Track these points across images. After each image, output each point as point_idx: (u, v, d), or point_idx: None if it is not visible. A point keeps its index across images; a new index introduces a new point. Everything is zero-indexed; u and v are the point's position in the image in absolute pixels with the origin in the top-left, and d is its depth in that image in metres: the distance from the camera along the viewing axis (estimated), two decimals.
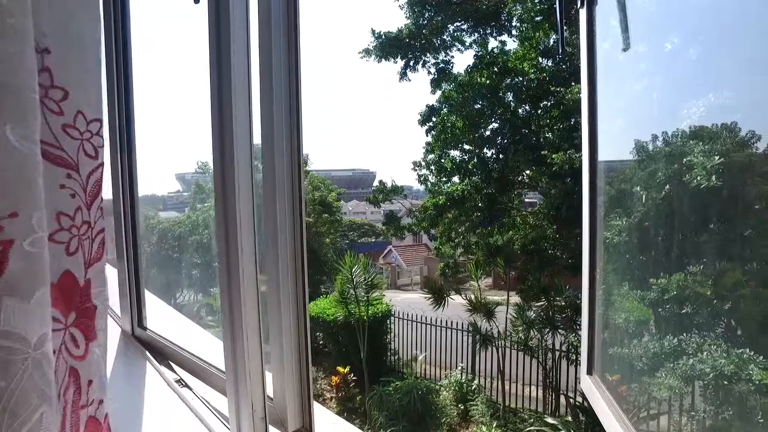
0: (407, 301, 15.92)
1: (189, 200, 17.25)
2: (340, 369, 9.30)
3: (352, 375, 9.26)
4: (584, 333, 1.15)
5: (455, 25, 11.41)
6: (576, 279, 9.19)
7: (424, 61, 11.84)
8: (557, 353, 8.50)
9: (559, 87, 8.86)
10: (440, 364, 10.93)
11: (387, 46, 11.46)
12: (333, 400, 9.40)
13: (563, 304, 8.13)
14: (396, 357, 11.42)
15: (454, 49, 11.72)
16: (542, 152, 9.31)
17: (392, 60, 11.74)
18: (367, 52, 11.66)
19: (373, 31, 11.43)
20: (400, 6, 11.28)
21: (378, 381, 9.06)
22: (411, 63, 11.86)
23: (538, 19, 9.35)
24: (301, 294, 1.18)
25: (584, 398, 7.58)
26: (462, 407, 8.68)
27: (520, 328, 8.35)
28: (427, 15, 11.20)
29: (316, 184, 16.21)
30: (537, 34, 9.51)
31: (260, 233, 1.16)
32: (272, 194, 1.14)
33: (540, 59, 9.74)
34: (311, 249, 14.90)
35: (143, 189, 2.03)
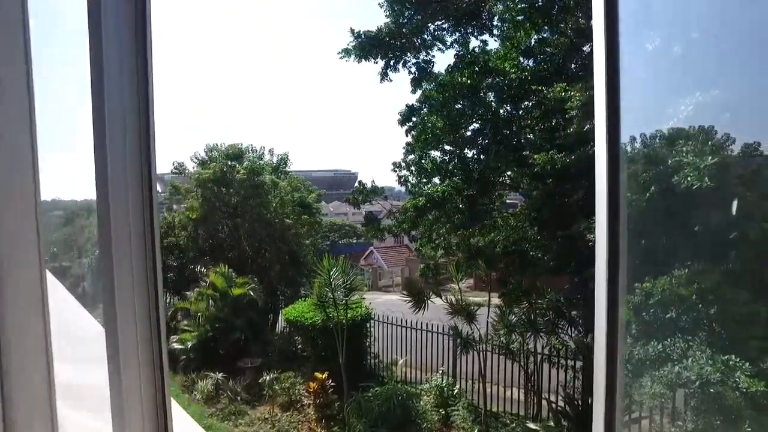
0: (388, 303, 15.75)
1: (166, 202, 16.80)
2: (318, 375, 9.05)
3: (331, 381, 9.02)
4: (599, 402, 0.88)
5: (436, 24, 11.25)
6: (558, 280, 9.15)
7: (404, 60, 11.64)
8: (539, 356, 8.43)
9: (540, 86, 8.78)
10: (421, 368, 10.80)
11: (367, 46, 11.22)
12: (311, 406, 9.15)
13: (545, 306, 8.05)
14: (376, 360, 11.25)
15: (435, 48, 11.55)
16: (524, 153, 9.23)
17: (372, 60, 11.50)
18: (346, 52, 11.39)
19: (353, 31, 11.19)
20: (379, 4, 11.08)
21: (357, 386, 8.86)
22: (392, 63, 11.63)
23: (519, 18, 9.27)
24: (155, 311, 0.90)
25: (566, 402, 7.50)
26: (443, 412, 8.54)
27: (502, 332, 8.25)
28: (407, 13, 11.02)
29: (295, 185, 15.90)
30: (518, 33, 9.43)
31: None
32: (104, 194, 0.90)
33: (521, 59, 9.65)
34: (290, 251, 14.61)
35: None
